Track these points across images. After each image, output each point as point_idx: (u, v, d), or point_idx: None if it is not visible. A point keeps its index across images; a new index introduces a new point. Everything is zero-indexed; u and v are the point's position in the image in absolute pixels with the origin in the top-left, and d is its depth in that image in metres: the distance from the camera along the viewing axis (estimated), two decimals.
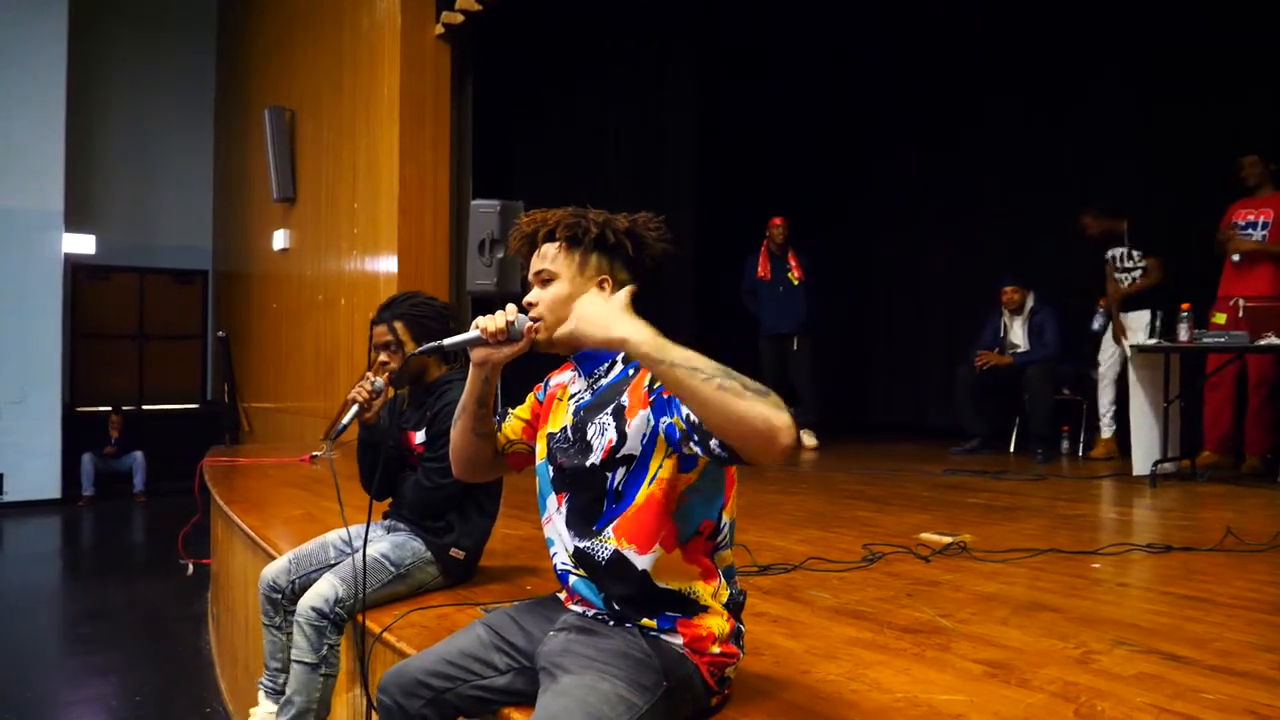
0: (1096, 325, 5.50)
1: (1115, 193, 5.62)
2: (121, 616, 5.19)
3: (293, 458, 5.47)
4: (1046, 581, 2.43)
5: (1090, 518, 3.58)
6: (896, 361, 7.62)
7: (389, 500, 2.45)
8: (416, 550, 2.24)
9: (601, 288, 1.47)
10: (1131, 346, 4.56)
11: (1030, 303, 5.67)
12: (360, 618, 2.00)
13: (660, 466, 1.37)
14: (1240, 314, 4.34)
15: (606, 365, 1.49)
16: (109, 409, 9.35)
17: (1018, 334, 5.73)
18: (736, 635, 1.46)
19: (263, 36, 8.99)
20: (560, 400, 1.57)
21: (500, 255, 5.10)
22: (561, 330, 1.33)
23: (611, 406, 1.43)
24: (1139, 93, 5.84)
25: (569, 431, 1.48)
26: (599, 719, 1.25)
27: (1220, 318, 4.59)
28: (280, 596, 2.27)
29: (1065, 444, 5.69)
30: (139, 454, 9.12)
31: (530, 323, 1.48)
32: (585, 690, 1.28)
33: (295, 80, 7.87)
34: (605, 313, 1.23)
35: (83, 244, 9.76)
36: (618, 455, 1.40)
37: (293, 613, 2.25)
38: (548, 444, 1.54)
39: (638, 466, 1.39)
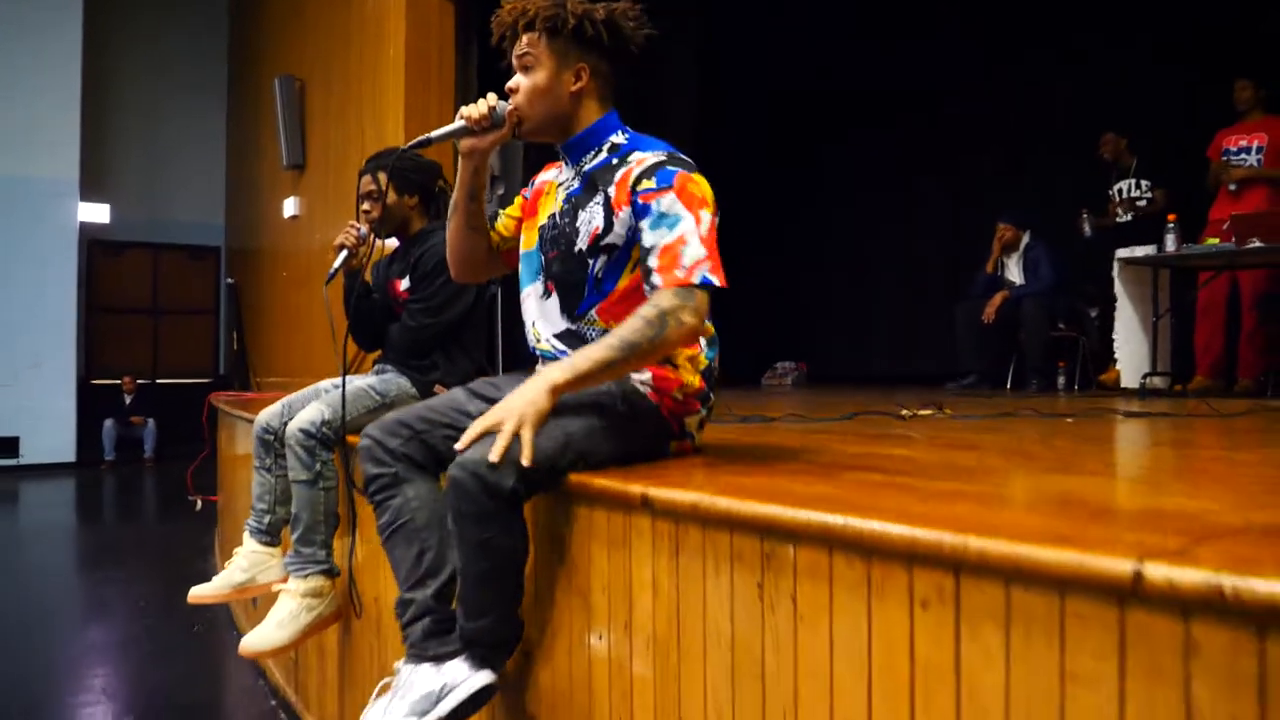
0: (1088, 232, 5.49)
1: (1120, 128, 5.61)
2: (133, 549, 5.31)
3: None
4: (1020, 429, 2.49)
5: (1074, 416, 3.61)
6: (893, 309, 7.65)
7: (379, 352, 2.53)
8: (402, 385, 2.33)
9: (579, 77, 1.54)
10: (1119, 260, 4.58)
11: (1026, 239, 5.70)
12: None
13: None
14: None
15: (592, 153, 1.56)
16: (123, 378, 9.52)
17: (1014, 271, 5.76)
18: (703, 396, 1.53)
19: (274, 6, 9.14)
20: (548, 194, 1.65)
21: (500, 192, 5.22)
22: (504, 432, 1.32)
23: (600, 196, 1.51)
24: (1144, 29, 5.84)
25: (558, 217, 1.57)
26: (568, 434, 1.37)
27: (1212, 241, 4.58)
28: (272, 438, 2.35)
29: (1062, 380, 5.69)
30: (150, 421, 9.31)
31: (510, 107, 1.55)
32: (555, 428, 1.38)
33: (305, 49, 7.99)
34: (523, 397, 1.35)
35: (97, 213, 9.92)
36: (601, 243, 1.49)
37: (283, 456, 2.34)
38: (540, 235, 1.62)
39: (619, 256, 1.49)
